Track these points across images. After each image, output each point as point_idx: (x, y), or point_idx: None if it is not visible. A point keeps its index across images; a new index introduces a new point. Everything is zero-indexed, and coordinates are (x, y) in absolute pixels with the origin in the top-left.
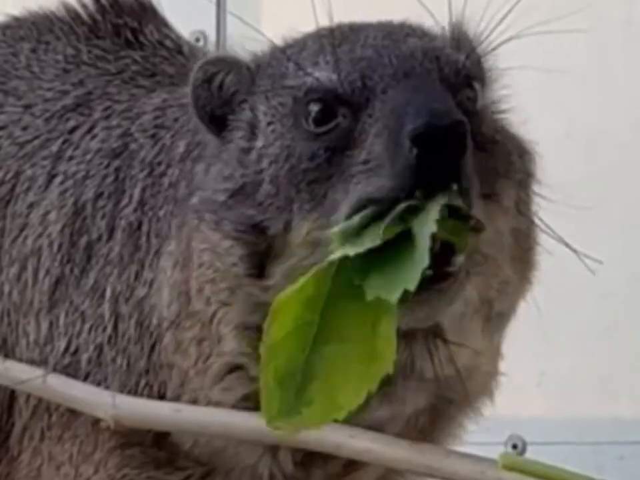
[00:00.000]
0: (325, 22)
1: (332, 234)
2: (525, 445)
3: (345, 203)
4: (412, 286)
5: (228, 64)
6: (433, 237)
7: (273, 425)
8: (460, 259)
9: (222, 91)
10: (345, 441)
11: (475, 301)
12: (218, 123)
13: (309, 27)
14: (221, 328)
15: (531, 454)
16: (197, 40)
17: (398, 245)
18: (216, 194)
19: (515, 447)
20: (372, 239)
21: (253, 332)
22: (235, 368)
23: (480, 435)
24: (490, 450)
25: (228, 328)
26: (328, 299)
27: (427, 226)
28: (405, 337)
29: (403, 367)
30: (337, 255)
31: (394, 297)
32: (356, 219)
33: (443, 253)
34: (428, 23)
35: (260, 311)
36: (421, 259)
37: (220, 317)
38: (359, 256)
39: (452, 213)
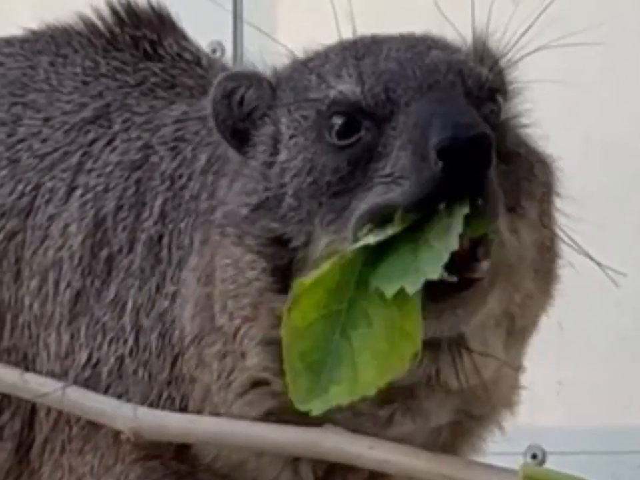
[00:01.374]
0: (341, 31)
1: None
2: (544, 454)
3: (361, 208)
4: (435, 275)
5: (248, 79)
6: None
7: (303, 406)
8: (485, 265)
9: (243, 106)
10: (365, 451)
11: (497, 312)
12: (240, 137)
13: (324, 36)
14: (244, 343)
15: (550, 464)
16: (214, 51)
17: (415, 242)
18: (239, 208)
19: (534, 456)
20: (393, 228)
21: (276, 347)
22: (258, 383)
23: (499, 445)
24: (509, 460)
25: (252, 343)
26: (355, 288)
27: (450, 238)
28: (430, 346)
29: (428, 378)
30: (359, 244)
31: (414, 288)
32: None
33: (467, 260)
34: (449, 35)
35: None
36: (443, 253)
37: (243, 332)
38: (377, 253)
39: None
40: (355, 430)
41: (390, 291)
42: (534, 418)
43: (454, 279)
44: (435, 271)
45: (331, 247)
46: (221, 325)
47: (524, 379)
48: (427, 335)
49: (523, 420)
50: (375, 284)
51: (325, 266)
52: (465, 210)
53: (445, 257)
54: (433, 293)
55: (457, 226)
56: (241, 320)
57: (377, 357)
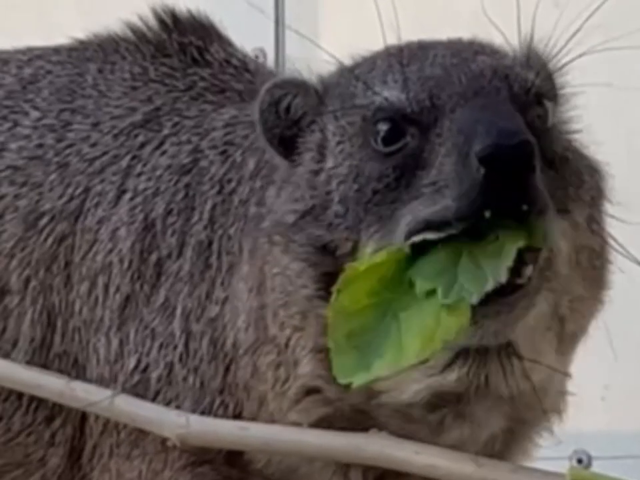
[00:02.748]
0: (384, 37)
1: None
2: (590, 459)
3: (407, 222)
4: (474, 299)
5: (295, 86)
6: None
7: (345, 380)
8: (529, 271)
9: (290, 113)
10: (411, 456)
11: (546, 316)
12: (286, 144)
13: (366, 42)
14: (296, 352)
15: (595, 468)
16: (256, 57)
17: (464, 252)
18: (286, 216)
19: (580, 461)
20: (449, 230)
21: (327, 355)
22: (311, 391)
23: (544, 449)
24: (555, 465)
25: (303, 352)
26: (408, 280)
27: (502, 260)
28: (478, 353)
29: (477, 386)
30: (417, 238)
31: (448, 297)
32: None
33: (513, 265)
34: (496, 39)
35: None
36: (488, 279)
37: (295, 342)
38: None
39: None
40: (407, 437)
41: (422, 288)
42: (579, 422)
43: (500, 283)
44: (475, 292)
45: None
46: (274, 335)
47: (569, 382)
48: (472, 342)
49: (569, 424)
50: (412, 277)
51: (380, 256)
52: (520, 243)
53: (489, 285)
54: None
55: (508, 258)
56: (291, 329)
57: (423, 331)
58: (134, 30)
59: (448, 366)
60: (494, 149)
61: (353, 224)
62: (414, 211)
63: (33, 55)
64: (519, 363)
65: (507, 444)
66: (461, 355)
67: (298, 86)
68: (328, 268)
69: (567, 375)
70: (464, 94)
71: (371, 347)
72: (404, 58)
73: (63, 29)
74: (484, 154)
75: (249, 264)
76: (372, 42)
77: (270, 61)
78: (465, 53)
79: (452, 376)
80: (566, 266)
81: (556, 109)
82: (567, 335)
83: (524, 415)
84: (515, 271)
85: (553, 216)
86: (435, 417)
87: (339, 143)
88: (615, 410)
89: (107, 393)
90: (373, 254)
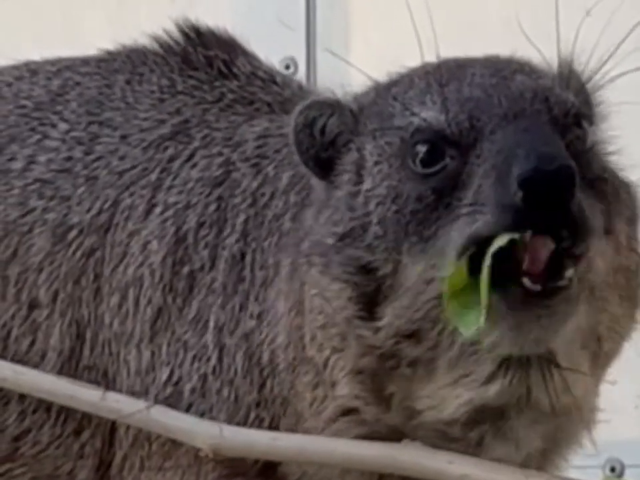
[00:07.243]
0: (414, 49)
1: None
2: (623, 467)
3: (455, 244)
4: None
5: (329, 107)
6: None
7: (471, 333)
8: (570, 273)
9: (325, 135)
10: (445, 466)
11: (585, 333)
12: (323, 165)
13: (396, 53)
14: (334, 374)
15: (628, 477)
16: (287, 67)
17: None
18: (325, 237)
19: (612, 469)
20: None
21: (366, 376)
22: (348, 411)
23: (577, 458)
24: (588, 473)
25: (342, 374)
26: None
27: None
28: (520, 364)
29: (519, 398)
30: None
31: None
32: None
33: (552, 268)
34: (534, 56)
35: (371, 354)
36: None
37: (333, 363)
38: None
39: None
40: None
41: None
42: (612, 431)
43: (537, 287)
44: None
45: (424, 275)
46: (312, 356)
47: (602, 391)
48: (514, 349)
49: (602, 433)
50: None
51: (460, 262)
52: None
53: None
54: (516, 302)
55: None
56: (330, 350)
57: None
58: (160, 42)
59: (490, 378)
60: (533, 174)
61: (392, 245)
62: (459, 231)
63: (61, 66)
64: (560, 374)
65: (540, 463)
66: (503, 366)
67: (332, 106)
68: (367, 288)
69: (597, 392)
70: (504, 116)
71: (475, 306)
72: (442, 77)
73: (91, 39)
74: (524, 178)
75: (288, 283)
76: (402, 53)
77: (301, 71)
78: (503, 72)
79: (494, 387)
80: (605, 284)
81: (593, 129)
82: (602, 355)
83: (560, 434)
84: (556, 273)
85: (598, 238)
86: (474, 434)
87: (376, 163)
88: None
89: (141, 404)
90: (422, 273)
